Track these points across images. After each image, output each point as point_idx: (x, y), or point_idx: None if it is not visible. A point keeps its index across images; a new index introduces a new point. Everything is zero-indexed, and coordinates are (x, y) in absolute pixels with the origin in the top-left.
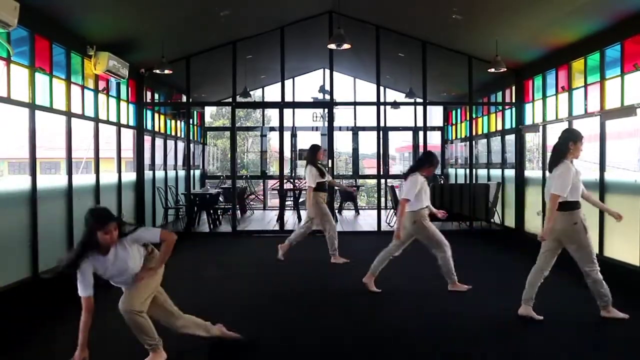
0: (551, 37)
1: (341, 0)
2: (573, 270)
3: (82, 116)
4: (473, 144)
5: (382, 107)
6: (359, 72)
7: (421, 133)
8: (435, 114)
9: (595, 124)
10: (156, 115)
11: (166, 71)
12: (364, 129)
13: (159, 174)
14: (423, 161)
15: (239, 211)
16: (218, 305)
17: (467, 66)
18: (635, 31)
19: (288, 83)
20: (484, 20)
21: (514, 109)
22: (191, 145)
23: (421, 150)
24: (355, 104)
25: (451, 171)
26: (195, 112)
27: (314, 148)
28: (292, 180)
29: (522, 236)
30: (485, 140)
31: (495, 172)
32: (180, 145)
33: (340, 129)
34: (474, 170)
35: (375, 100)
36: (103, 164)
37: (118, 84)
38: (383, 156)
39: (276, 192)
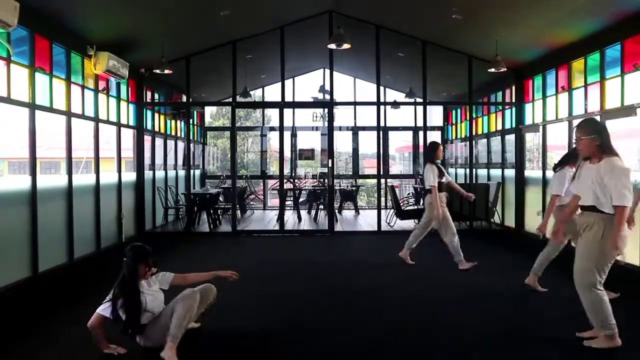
0: (551, 37)
1: (341, 0)
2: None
3: (82, 116)
4: (473, 144)
5: (382, 107)
6: (359, 72)
7: (421, 133)
8: (435, 114)
9: None
10: (156, 115)
11: (166, 71)
12: (364, 128)
13: (159, 173)
14: (570, 155)
15: (239, 211)
16: (217, 305)
17: (467, 66)
18: (635, 31)
19: (288, 83)
20: (484, 20)
21: (514, 109)
22: (191, 145)
23: (421, 150)
24: (355, 103)
25: (451, 171)
26: (195, 112)
27: (433, 145)
28: (292, 180)
29: (522, 236)
30: (485, 140)
31: (495, 172)
32: (180, 145)
33: (340, 128)
34: (474, 170)
35: (375, 100)
36: (103, 163)
37: (118, 84)
38: (383, 156)
39: (276, 192)
